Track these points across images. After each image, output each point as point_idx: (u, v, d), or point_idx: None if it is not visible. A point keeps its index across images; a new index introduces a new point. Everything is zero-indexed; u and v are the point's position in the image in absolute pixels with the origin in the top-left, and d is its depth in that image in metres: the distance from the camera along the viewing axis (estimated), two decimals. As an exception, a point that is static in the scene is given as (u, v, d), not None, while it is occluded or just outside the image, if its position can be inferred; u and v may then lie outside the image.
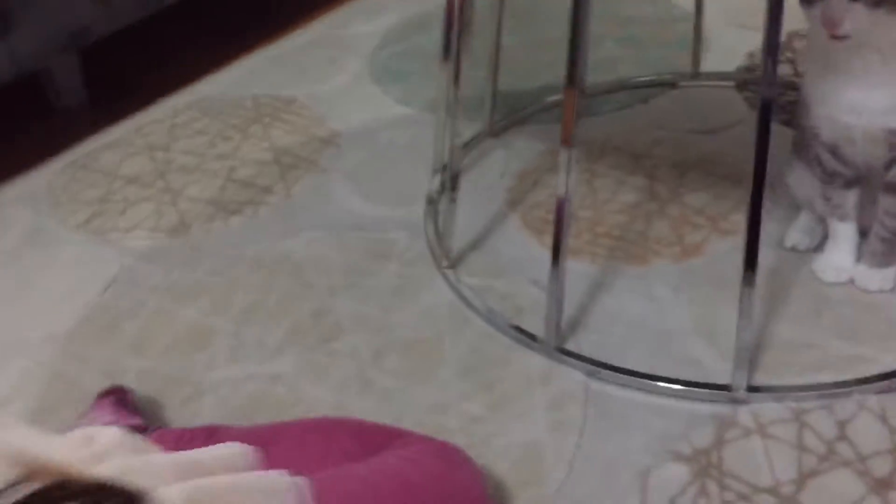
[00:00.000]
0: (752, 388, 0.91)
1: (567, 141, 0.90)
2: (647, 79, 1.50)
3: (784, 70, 1.48)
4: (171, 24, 1.87)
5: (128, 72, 1.73)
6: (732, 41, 1.57)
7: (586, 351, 0.99)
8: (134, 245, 1.25)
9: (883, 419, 0.87)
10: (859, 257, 1.04)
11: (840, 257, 1.04)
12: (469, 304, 1.08)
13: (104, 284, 1.17)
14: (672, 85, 1.48)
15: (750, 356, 0.93)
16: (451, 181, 1.13)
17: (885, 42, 0.87)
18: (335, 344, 1.04)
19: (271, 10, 1.95)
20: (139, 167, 1.42)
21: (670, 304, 1.04)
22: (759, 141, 0.83)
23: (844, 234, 1.04)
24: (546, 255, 1.07)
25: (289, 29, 1.84)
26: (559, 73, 0.92)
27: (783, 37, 1.54)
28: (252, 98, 1.58)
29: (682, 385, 0.93)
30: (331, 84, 1.61)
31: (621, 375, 0.95)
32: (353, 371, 1.01)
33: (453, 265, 1.14)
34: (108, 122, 1.54)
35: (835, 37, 0.86)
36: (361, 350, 1.03)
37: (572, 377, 0.96)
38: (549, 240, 1.13)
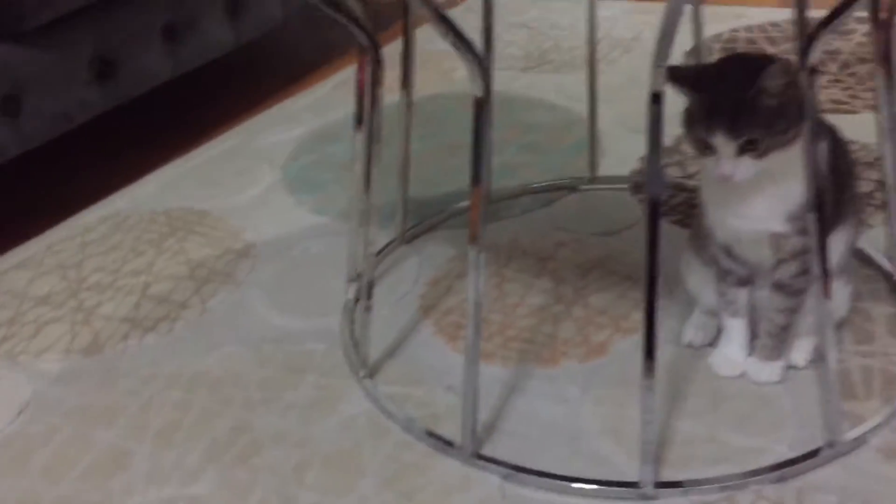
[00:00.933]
0: (660, 484, 0.95)
1: (475, 239, 0.95)
2: (549, 183, 1.58)
3: (673, 172, 1.59)
4: (80, 139, 1.89)
5: (37, 188, 1.73)
6: (626, 145, 1.68)
7: (502, 454, 1.02)
8: (46, 368, 1.24)
9: (779, 507, 0.93)
10: (750, 351, 1.11)
11: (733, 351, 1.11)
12: (387, 413, 1.10)
13: (15, 411, 1.16)
14: (572, 189, 1.57)
15: (655, 452, 0.98)
16: (365, 290, 1.16)
17: (767, 168, 0.96)
18: (255, 460, 1.05)
19: (183, 123, 1.99)
20: (50, 287, 1.41)
21: (579, 404, 1.09)
22: (650, 239, 0.89)
23: (737, 329, 1.11)
24: (459, 360, 1.11)
25: (201, 141, 1.88)
26: (467, 178, 0.97)
27: (671, 140, 1.67)
28: (165, 212, 1.60)
29: (593, 484, 0.97)
30: (244, 195, 1.64)
31: (536, 478, 0.98)
32: (273, 487, 1.01)
33: (371, 374, 1.17)
34: (17, 241, 1.53)
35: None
36: (282, 465, 1.04)
37: (489, 482, 0.99)
38: (461, 345, 1.17)
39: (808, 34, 0.87)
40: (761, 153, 0.93)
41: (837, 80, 1.85)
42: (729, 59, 1.01)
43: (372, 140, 1.11)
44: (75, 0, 1.57)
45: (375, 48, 1.05)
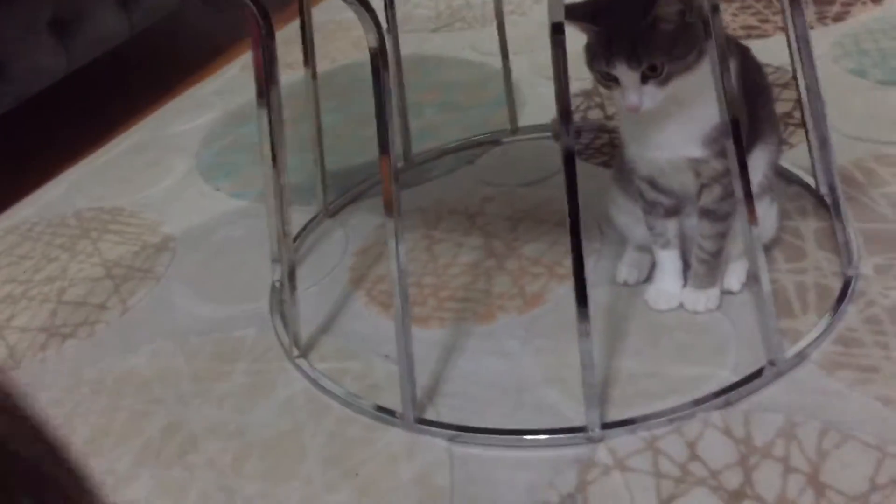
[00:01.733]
0: (606, 426, 0.94)
1: (390, 209, 0.92)
2: (470, 139, 1.55)
3: (595, 114, 1.56)
4: (-21, 150, 1.79)
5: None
6: (545, 94, 1.65)
7: (446, 417, 1.00)
8: (-39, 389, 1.17)
9: (727, 433, 0.92)
10: (685, 282, 1.10)
11: (668, 284, 1.10)
12: (325, 390, 1.06)
13: (-70, 438, 1.09)
14: (494, 143, 1.54)
15: (598, 395, 0.96)
16: (286, 269, 1.12)
17: (676, 96, 0.94)
18: (191, 457, 1.01)
19: (86, 120, 1.90)
20: (-41, 305, 1.33)
21: (520, 356, 1.07)
22: (569, 190, 0.87)
23: (669, 261, 1.09)
24: (394, 327, 1.07)
25: (107, 137, 1.80)
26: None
27: (590, 84, 1.65)
28: (75, 214, 1.53)
29: (539, 434, 0.95)
30: (158, 188, 1.58)
31: (481, 435, 0.96)
32: (212, 482, 0.97)
33: (304, 353, 1.13)
34: (-81, 261, 1.45)
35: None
36: (220, 458, 1.00)
37: (435, 445, 0.96)
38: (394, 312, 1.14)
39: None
40: (663, 79, 0.91)
41: (747, 7, 1.84)
42: None
43: (273, 116, 1.05)
44: (-51, 1, 1.48)
45: (266, 18, 1.00)
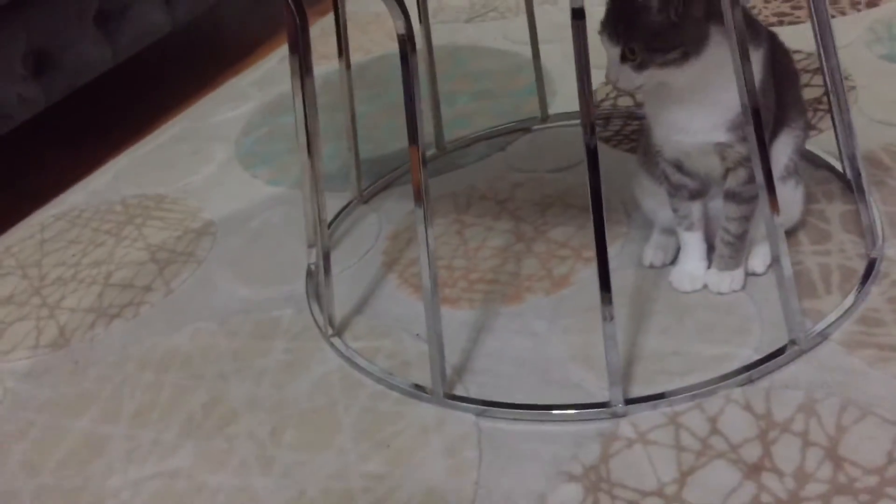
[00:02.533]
0: (629, 401, 0.96)
1: (419, 197, 0.95)
2: (502, 127, 1.58)
3: (624, 101, 1.58)
4: (25, 138, 1.87)
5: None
6: (575, 82, 1.67)
7: (474, 393, 1.03)
8: (15, 367, 1.23)
9: (748, 408, 0.94)
10: (710, 263, 1.12)
11: (692, 265, 1.12)
12: (358, 367, 1.10)
13: (-13, 411, 1.15)
14: (525, 130, 1.56)
15: (622, 372, 0.99)
16: (321, 252, 1.16)
17: (678, 83, 0.97)
18: (231, 429, 1.05)
19: (130, 111, 1.97)
20: (12, 287, 1.40)
21: (547, 335, 1.10)
22: (592, 180, 0.89)
23: (693, 243, 1.12)
24: (424, 308, 1.11)
25: (150, 128, 1.86)
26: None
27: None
28: (121, 201, 1.59)
29: (564, 409, 0.98)
30: (199, 175, 1.63)
31: (508, 410, 0.99)
32: (252, 452, 1.02)
33: (339, 332, 1.17)
34: (-26, 247, 1.52)
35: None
36: (258, 430, 1.04)
37: (464, 420, 1.00)
38: (425, 293, 1.18)
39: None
40: (638, 65, 0.95)
41: (779, -6, 1.84)
42: None
43: (308, 105, 1.09)
44: (0, -4, 1.54)
45: (300, 10, 1.04)
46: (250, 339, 1.19)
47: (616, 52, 0.96)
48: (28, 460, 1.07)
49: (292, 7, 1.02)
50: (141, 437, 1.07)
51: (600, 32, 0.97)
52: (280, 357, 1.15)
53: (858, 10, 1.70)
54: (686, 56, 0.95)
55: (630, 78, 0.96)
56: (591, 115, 0.86)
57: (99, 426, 1.10)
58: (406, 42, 0.87)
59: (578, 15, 0.83)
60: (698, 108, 1.00)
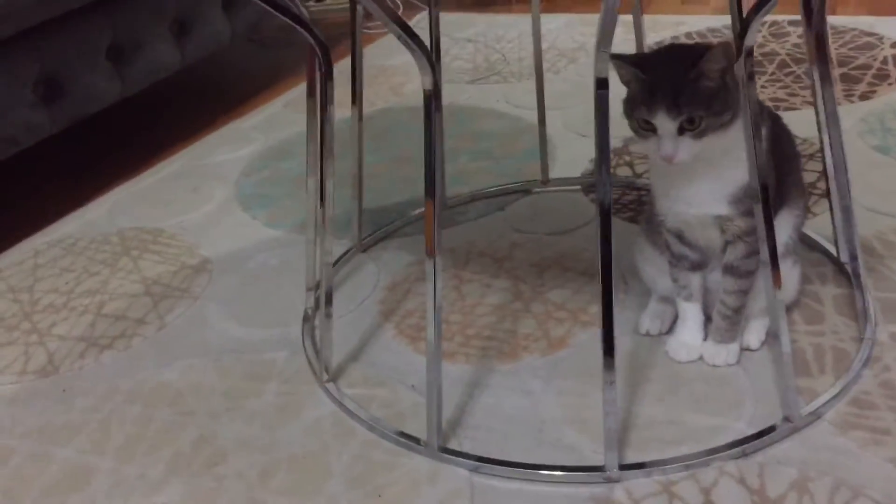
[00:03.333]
0: (624, 467, 0.97)
1: (431, 250, 0.96)
2: (503, 187, 1.60)
3: (624, 172, 1.62)
4: (28, 163, 1.86)
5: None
6: (576, 149, 1.71)
7: (468, 448, 1.03)
8: (1, 391, 1.21)
9: (742, 482, 0.95)
10: (706, 335, 1.13)
11: (689, 336, 1.13)
12: (352, 415, 1.10)
13: (-30, 434, 1.13)
14: (526, 192, 1.59)
15: (618, 437, 0.99)
16: (325, 296, 1.16)
17: (707, 153, 0.99)
18: (220, 468, 1.04)
19: (133, 144, 1.97)
20: (2, 310, 1.38)
21: (542, 395, 1.10)
22: (602, 240, 0.91)
23: (692, 313, 1.13)
24: (421, 360, 1.12)
25: (152, 162, 1.87)
26: (419, 187, 0.99)
27: (620, 142, 1.71)
28: (117, 232, 1.58)
29: (559, 471, 0.98)
30: (198, 213, 1.63)
31: (502, 468, 0.99)
32: (240, 494, 1.00)
33: (333, 378, 1.17)
34: (-34, 267, 1.50)
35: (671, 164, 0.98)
36: (248, 472, 1.03)
37: (457, 475, 1.00)
38: (423, 346, 1.18)
39: (743, 18, 0.90)
40: (700, 133, 0.96)
41: (776, 80, 1.91)
42: (670, 47, 1.05)
43: (325, 150, 1.11)
44: (18, 21, 1.56)
45: (323, 48, 1.06)
46: (243, 380, 1.19)
47: (673, 125, 0.95)
48: (8, 488, 1.04)
49: (319, 56, 1.04)
50: (126, 472, 1.05)
51: (646, 111, 0.95)
52: (272, 399, 1.15)
53: (852, 102, 1.76)
54: (734, 118, 0.97)
55: (690, 149, 0.96)
56: (609, 179, 0.88)
57: (84, 457, 1.08)
58: (432, 98, 0.89)
59: (602, 85, 0.86)
60: (701, 179, 1.03)
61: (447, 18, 2.49)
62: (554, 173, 1.62)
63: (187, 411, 1.14)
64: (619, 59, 0.95)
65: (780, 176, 1.07)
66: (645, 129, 0.98)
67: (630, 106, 0.99)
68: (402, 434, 1.05)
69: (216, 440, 1.08)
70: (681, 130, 0.96)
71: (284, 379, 1.18)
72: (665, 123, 0.96)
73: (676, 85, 0.94)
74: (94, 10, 1.70)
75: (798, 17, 1.13)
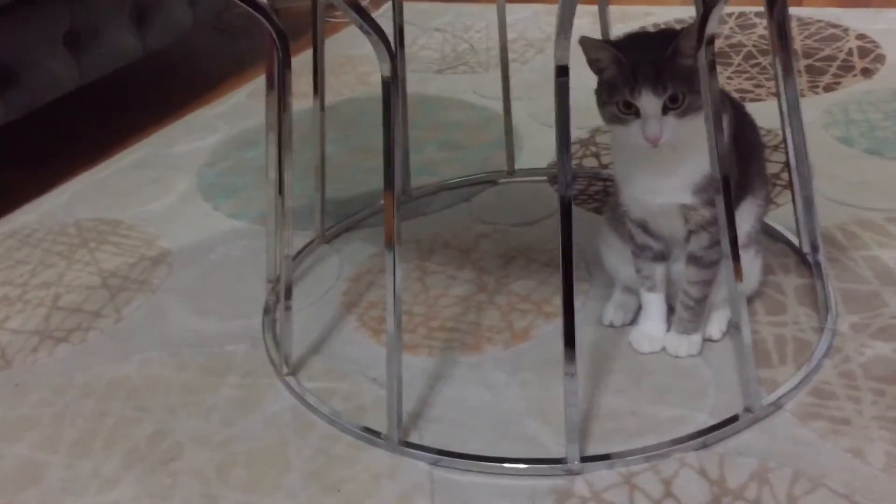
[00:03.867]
0: (585, 459, 0.96)
1: (391, 241, 0.95)
2: (469, 178, 1.59)
3: (590, 162, 1.61)
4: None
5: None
6: (542, 139, 1.70)
7: (429, 441, 1.02)
8: (-50, 385, 1.18)
9: (702, 473, 0.94)
10: (669, 326, 1.13)
11: (652, 327, 1.13)
12: (312, 408, 1.08)
13: (-83, 430, 1.10)
14: (491, 182, 1.58)
15: (579, 429, 0.98)
16: (284, 288, 1.14)
17: (679, 138, 0.98)
18: (177, 464, 1.02)
19: (93, 134, 1.93)
20: (-46, 303, 1.35)
21: (505, 388, 1.09)
22: (564, 233, 0.90)
23: (654, 304, 1.13)
24: (384, 352, 1.10)
25: (112, 152, 1.83)
26: (382, 178, 0.97)
27: (586, 133, 1.70)
28: (75, 223, 1.55)
29: (520, 463, 0.97)
30: (159, 203, 1.60)
31: (463, 461, 0.98)
32: (196, 490, 0.98)
33: (293, 371, 1.15)
34: (-83, 259, 1.46)
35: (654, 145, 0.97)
36: (205, 467, 1.01)
37: (417, 468, 0.98)
38: (385, 338, 1.16)
39: (704, 6, 0.89)
40: (683, 111, 0.96)
41: (742, 72, 1.91)
42: (640, 33, 1.05)
43: (283, 141, 1.09)
44: (-29, 7, 1.52)
45: (282, 36, 1.04)
46: (201, 373, 1.16)
47: (657, 105, 0.95)
48: (-44, 485, 1.02)
49: (277, 44, 1.02)
50: (80, 468, 1.03)
51: (628, 93, 0.94)
52: (231, 393, 1.13)
53: (817, 93, 1.76)
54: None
55: (674, 128, 0.96)
56: (570, 170, 0.87)
57: (36, 453, 1.05)
58: (389, 85, 0.87)
59: (563, 73, 0.84)
60: (665, 169, 1.02)
61: (415, 7, 2.47)
62: (520, 164, 1.61)
63: (143, 406, 1.11)
64: (597, 42, 0.94)
65: (742, 165, 1.07)
66: (625, 113, 0.97)
67: (607, 91, 0.98)
68: (363, 428, 1.04)
69: (172, 435, 1.06)
70: (664, 110, 0.95)
71: (244, 372, 1.16)
72: (650, 103, 0.95)
73: (657, 63, 0.94)
74: (51, -4, 1.66)
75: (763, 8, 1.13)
